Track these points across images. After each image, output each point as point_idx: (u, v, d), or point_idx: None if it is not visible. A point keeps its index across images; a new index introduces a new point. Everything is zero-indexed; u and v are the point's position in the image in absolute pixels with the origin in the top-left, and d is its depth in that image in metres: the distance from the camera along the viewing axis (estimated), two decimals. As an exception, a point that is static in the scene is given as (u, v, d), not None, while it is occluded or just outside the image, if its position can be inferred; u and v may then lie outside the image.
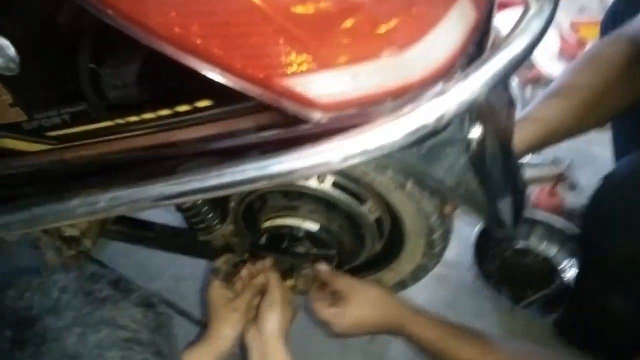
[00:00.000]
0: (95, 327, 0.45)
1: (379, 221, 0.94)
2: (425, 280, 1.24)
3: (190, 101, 0.50)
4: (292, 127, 0.51)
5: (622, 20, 0.99)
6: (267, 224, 0.92)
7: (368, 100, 0.48)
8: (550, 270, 1.28)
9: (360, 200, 0.90)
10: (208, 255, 0.94)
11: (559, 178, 1.40)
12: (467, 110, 0.59)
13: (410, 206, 0.86)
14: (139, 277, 1.30)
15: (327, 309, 0.89)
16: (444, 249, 0.96)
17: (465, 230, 1.34)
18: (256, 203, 0.94)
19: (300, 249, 0.93)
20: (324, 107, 0.48)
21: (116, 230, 0.96)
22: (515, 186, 0.84)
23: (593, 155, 1.55)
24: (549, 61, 1.83)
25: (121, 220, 0.97)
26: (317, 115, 0.49)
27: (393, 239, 0.98)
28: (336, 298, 0.90)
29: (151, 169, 0.56)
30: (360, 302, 0.89)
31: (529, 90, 1.79)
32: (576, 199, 1.44)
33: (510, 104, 0.87)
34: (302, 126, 0.50)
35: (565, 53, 1.83)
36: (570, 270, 1.27)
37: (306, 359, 1.15)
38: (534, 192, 1.43)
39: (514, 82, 1.70)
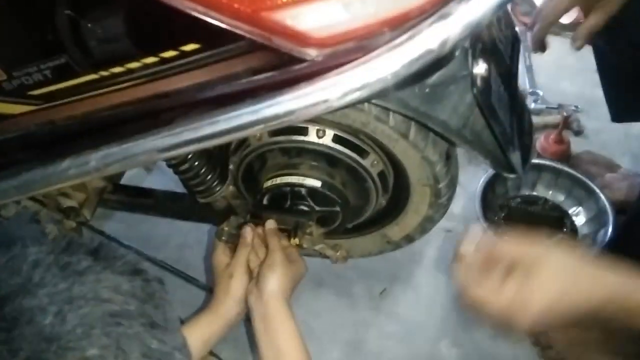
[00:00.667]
0: (74, 304, 0.40)
1: (382, 175, 0.91)
2: (432, 235, 1.23)
3: (176, 46, 0.47)
4: (287, 68, 0.48)
5: None
6: (269, 183, 0.90)
7: (364, 32, 0.45)
8: (559, 217, 1.26)
9: (363, 154, 0.88)
10: (211, 220, 0.92)
11: (565, 124, 1.37)
12: (470, 43, 0.56)
13: (414, 156, 0.83)
14: (144, 247, 1.29)
15: (501, 292, 0.54)
16: (450, 198, 0.94)
17: (471, 182, 1.32)
18: (256, 163, 0.92)
19: (304, 207, 0.92)
20: (318, 43, 0.45)
21: (115, 199, 0.94)
22: (522, 128, 0.82)
23: (598, 100, 1.50)
24: None
25: (120, 188, 0.95)
26: (311, 52, 0.46)
27: (398, 192, 0.95)
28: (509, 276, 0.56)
29: (146, 124, 0.53)
30: (556, 270, 0.54)
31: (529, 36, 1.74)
32: (582, 145, 1.42)
33: (515, 42, 0.83)
34: (298, 66, 0.47)
35: None
36: (579, 217, 1.25)
37: (316, 318, 1.15)
38: (539, 139, 1.40)
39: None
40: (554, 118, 1.45)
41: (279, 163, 0.90)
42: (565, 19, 1.75)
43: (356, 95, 0.43)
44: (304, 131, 0.86)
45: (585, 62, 1.44)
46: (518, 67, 0.78)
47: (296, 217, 0.91)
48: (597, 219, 1.20)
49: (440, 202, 0.93)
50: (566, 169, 1.27)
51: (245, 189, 0.96)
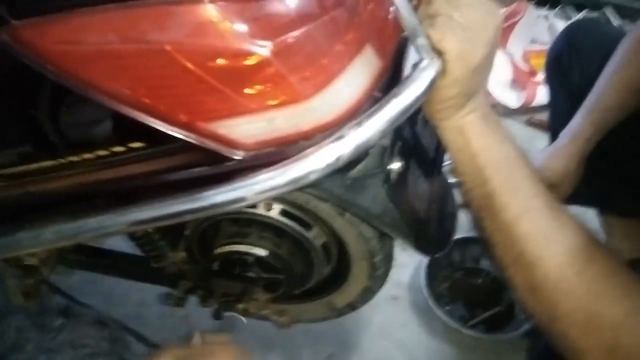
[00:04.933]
0: (58, 351, 0.50)
1: (325, 246, 0.99)
2: (379, 301, 1.30)
3: (124, 142, 0.55)
4: (218, 165, 0.57)
5: (568, 62, 1.09)
6: (219, 250, 0.97)
7: (284, 141, 0.54)
8: (499, 289, 1.34)
9: (307, 226, 0.96)
10: (163, 282, 0.99)
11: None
12: (390, 141, 0.66)
13: (351, 231, 0.92)
14: (104, 304, 1.34)
15: None
16: (387, 271, 1.02)
17: (419, 254, 1.41)
18: (210, 231, 1.00)
19: (251, 274, 0.99)
20: (245, 147, 0.54)
21: (75, 258, 1.00)
22: (444, 214, 0.91)
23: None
24: (502, 90, 1.92)
25: (79, 248, 1.01)
26: (239, 154, 0.55)
27: (340, 263, 1.03)
28: None
29: (95, 205, 0.61)
30: None
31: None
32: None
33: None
34: (227, 163, 0.56)
35: (518, 82, 1.92)
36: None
37: None
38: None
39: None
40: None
41: (230, 232, 0.98)
42: (514, 104, 1.91)
43: (269, 194, 0.52)
44: (254, 204, 0.94)
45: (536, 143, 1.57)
46: (442, 157, 0.88)
47: (243, 284, 0.98)
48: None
49: (377, 275, 1.01)
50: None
51: (199, 254, 1.03)
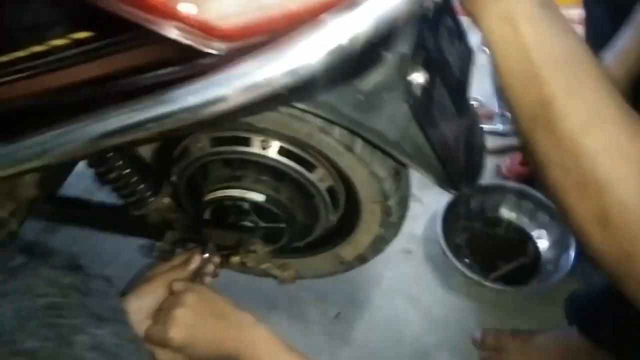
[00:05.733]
0: (6, 299, 0.39)
1: (331, 190, 0.87)
2: (391, 256, 1.19)
3: (66, 34, 0.42)
4: (191, 62, 0.43)
5: None
6: (210, 196, 0.85)
7: (273, 25, 0.41)
8: (522, 240, 1.23)
9: (310, 167, 0.83)
10: (147, 234, 0.87)
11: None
12: (411, 49, 0.52)
13: (362, 171, 0.79)
14: (91, 263, 1.22)
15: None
16: (402, 216, 0.90)
17: (434, 203, 1.28)
18: (198, 175, 0.87)
19: (247, 223, 0.86)
20: (223, 34, 0.41)
21: (48, 209, 0.89)
22: (472, 144, 0.78)
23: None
24: None
25: (54, 199, 0.89)
26: (217, 47, 0.41)
27: (349, 210, 0.91)
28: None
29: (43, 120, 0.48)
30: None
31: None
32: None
33: (468, 56, 0.80)
34: (203, 61, 0.43)
35: None
36: (542, 240, 1.21)
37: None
38: (505, 161, 1.37)
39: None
40: (518, 140, 1.42)
41: (221, 175, 0.85)
42: None
43: (259, 92, 0.38)
44: (247, 142, 0.81)
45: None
46: (469, 81, 0.75)
47: (239, 234, 0.85)
48: (560, 243, 1.16)
49: (391, 221, 0.89)
50: (531, 191, 1.24)
51: (187, 202, 0.90)
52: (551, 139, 0.45)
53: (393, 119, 0.59)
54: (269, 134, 0.79)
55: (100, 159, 0.71)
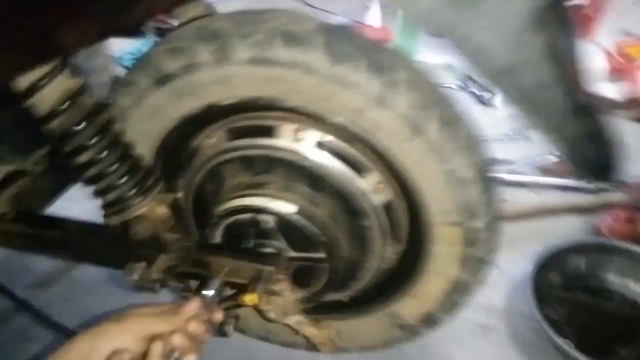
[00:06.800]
0: None
1: (389, 207, 0.62)
2: (466, 332, 0.89)
3: None
4: None
5: None
6: (223, 207, 0.62)
7: None
8: (642, 319, 0.90)
9: (360, 169, 0.60)
10: (134, 256, 0.62)
11: (636, 202, 1.07)
12: None
13: (435, 169, 0.55)
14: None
15: None
16: (491, 251, 0.62)
17: (513, 266, 0.99)
18: (209, 181, 0.65)
19: (271, 248, 0.62)
20: None
21: (17, 231, 0.67)
22: (601, 130, 0.53)
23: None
24: (601, 81, 1.62)
25: (22, 215, 0.68)
26: None
27: (413, 241, 0.65)
28: None
29: None
30: None
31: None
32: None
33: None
34: None
35: (617, 71, 1.63)
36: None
37: None
38: (604, 219, 1.09)
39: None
40: (617, 196, 1.15)
41: (240, 181, 0.63)
42: (616, 95, 1.56)
43: None
44: (273, 132, 0.59)
45: None
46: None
47: (259, 264, 0.60)
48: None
49: (476, 257, 0.61)
50: (645, 253, 0.94)
51: (192, 219, 0.67)
52: None
53: (500, 23, 0.36)
54: (303, 120, 0.57)
55: (69, 129, 0.50)
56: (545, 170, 1.28)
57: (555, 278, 0.97)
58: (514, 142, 1.40)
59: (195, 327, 0.49)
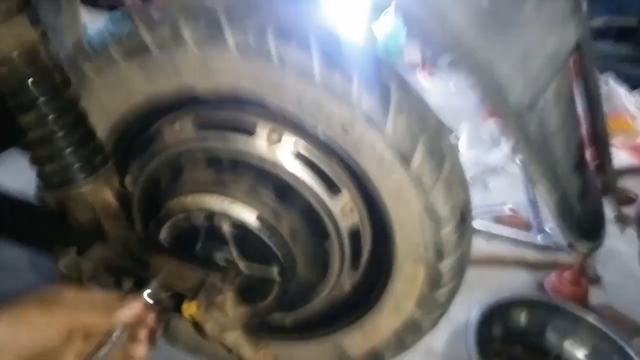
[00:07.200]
0: None
1: (355, 234, 0.58)
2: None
3: None
4: None
5: None
6: (174, 203, 0.56)
7: None
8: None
9: (332, 188, 0.55)
10: (63, 240, 0.54)
11: (581, 266, 1.08)
12: None
13: (413, 202, 0.52)
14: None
15: None
16: (452, 295, 0.60)
17: (458, 313, 0.97)
18: (165, 172, 0.58)
19: (221, 256, 0.56)
20: None
21: None
22: (592, 194, 0.52)
23: (617, 251, 1.25)
24: None
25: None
26: None
27: (372, 272, 0.61)
28: None
29: None
30: None
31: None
32: (599, 297, 1.11)
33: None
34: None
35: None
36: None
37: None
38: (549, 277, 1.10)
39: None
40: (565, 257, 1.17)
41: (199, 176, 0.57)
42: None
43: None
44: (247, 128, 0.54)
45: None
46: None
47: (205, 271, 0.54)
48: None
49: (437, 298, 0.58)
50: (588, 317, 0.95)
51: (139, 211, 0.61)
52: None
53: (532, 59, 0.33)
54: (281, 121, 0.53)
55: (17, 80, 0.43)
56: (499, 221, 1.29)
57: (496, 330, 0.96)
58: (471, 189, 1.42)
59: (140, 331, 0.43)
